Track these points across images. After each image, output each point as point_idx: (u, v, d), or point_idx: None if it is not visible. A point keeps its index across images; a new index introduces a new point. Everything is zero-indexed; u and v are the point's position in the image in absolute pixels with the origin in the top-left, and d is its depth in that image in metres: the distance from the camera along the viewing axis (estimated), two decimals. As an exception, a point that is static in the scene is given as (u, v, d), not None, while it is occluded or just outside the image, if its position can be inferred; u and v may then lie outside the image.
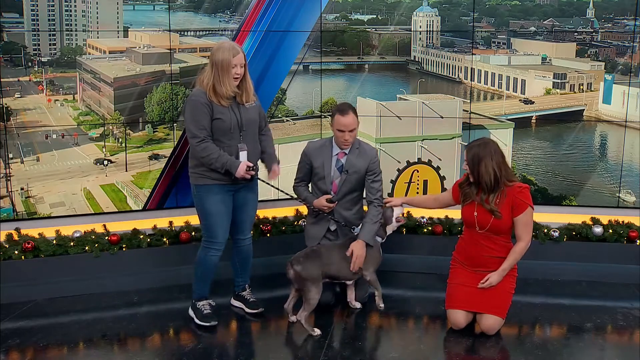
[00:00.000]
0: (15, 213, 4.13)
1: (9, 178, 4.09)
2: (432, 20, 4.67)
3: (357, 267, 3.59)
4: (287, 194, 3.82)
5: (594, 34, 4.47)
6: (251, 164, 3.45)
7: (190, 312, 3.67)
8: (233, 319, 3.72)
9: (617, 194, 4.45)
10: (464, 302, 3.48)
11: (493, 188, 3.35)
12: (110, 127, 4.29)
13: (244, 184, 3.53)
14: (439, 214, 4.53)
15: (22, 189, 4.13)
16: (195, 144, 3.37)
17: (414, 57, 4.76)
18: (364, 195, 3.84)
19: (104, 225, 4.24)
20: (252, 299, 3.81)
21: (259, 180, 3.63)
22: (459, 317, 3.49)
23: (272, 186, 3.75)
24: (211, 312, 3.62)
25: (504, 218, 3.38)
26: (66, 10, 4.12)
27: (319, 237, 3.82)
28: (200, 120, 3.36)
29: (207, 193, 3.48)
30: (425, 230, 4.51)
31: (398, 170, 4.72)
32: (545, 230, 4.39)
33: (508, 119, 4.60)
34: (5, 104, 4.04)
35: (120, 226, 4.27)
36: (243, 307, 3.80)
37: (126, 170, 4.34)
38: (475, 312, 3.50)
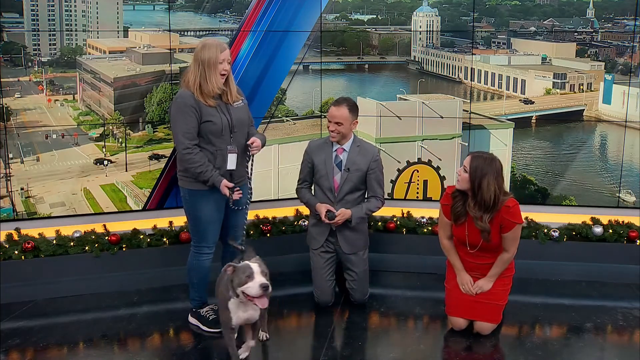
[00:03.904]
0: (15, 213, 4.12)
1: (9, 178, 4.08)
2: (432, 20, 4.66)
3: (341, 219, 3.67)
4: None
5: (594, 34, 4.46)
6: (231, 185, 3.32)
7: (193, 321, 3.61)
8: (233, 319, 3.71)
9: (617, 194, 4.44)
10: (461, 310, 3.51)
11: (490, 208, 3.29)
12: (110, 127, 4.29)
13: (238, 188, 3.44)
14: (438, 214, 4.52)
15: (22, 189, 4.13)
16: (182, 152, 3.27)
17: (414, 57, 4.75)
18: (366, 195, 3.83)
19: (104, 225, 4.24)
20: None
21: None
22: (459, 321, 3.53)
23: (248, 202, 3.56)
24: (217, 317, 3.55)
25: (493, 239, 3.36)
26: (66, 10, 4.12)
27: (322, 238, 3.80)
28: (187, 125, 3.24)
29: (200, 199, 3.37)
30: (425, 230, 4.50)
31: (398, 170, 4.72)
32: (545, 230, 4.39)
33: (508, 119, 4.60)
34: (5, 104, 4.03)
35: (120, 226, 4.26)
36: None
37: (126, 170, 4.34)
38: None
